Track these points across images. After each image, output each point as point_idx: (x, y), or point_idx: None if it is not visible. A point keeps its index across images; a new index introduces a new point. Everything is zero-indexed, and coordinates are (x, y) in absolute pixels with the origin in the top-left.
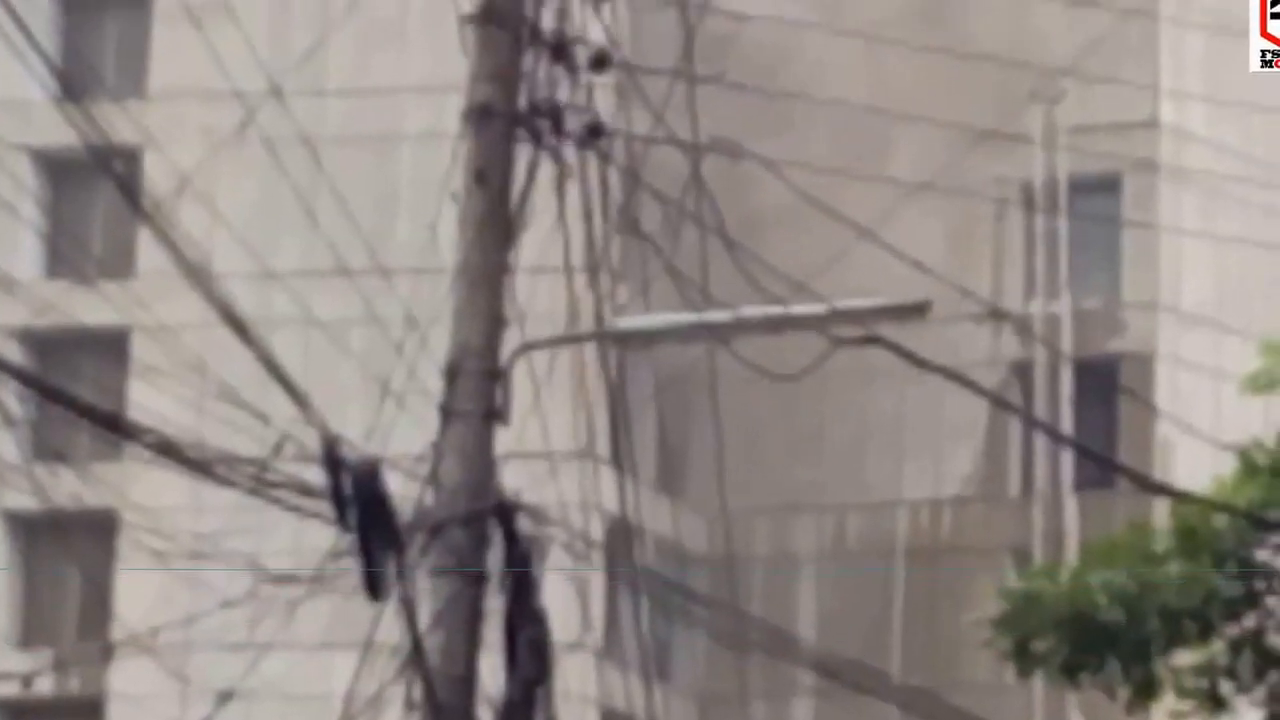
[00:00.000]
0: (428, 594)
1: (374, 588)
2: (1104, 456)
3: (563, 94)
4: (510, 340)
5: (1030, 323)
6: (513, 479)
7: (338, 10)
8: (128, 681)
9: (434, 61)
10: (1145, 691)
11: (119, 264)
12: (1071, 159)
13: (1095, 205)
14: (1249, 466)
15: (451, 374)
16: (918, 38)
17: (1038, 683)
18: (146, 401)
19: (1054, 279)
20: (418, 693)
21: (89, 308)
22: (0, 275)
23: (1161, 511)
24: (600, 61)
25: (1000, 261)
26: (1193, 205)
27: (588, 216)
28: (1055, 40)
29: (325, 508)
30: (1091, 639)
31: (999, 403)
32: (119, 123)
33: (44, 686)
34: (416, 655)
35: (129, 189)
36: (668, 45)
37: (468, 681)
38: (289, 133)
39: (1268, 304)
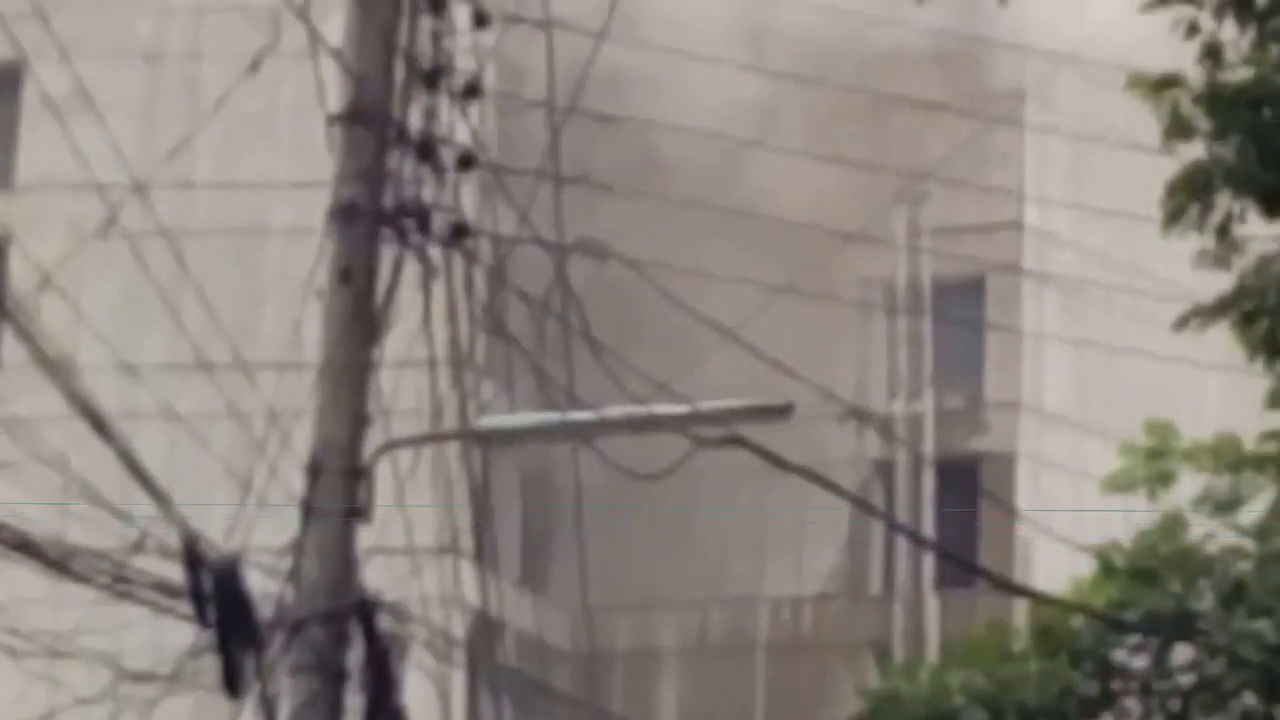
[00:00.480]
0: (287, 692)
1: (233, 685)
2: (964, 557)
3: (429, 193)
4: (374, 437)
5: (893, 423)
6: (375, 576)
7: (206, 105)
8: None
9: (301, 157)
10: None
11: None
12: (936, 261)
13: (959, 306)
14: (1106, 568)
15: (314, 471)
16: (784, 140)
17: None
18: (4, 496)
19: (917, 379)
20: None
21: None
22: None
23: (1021, 611)
24: (466, 161)
25: (864, 362)
26: (1055, 307)
27: (453, 315)
28: (921, 144)
29: (185, 605)
30: None
31: (860, 503)
32: None
33: None
34: None
35: None
36: (535, 146)
37: None
38: (154, 226)
39: (1128, 406)
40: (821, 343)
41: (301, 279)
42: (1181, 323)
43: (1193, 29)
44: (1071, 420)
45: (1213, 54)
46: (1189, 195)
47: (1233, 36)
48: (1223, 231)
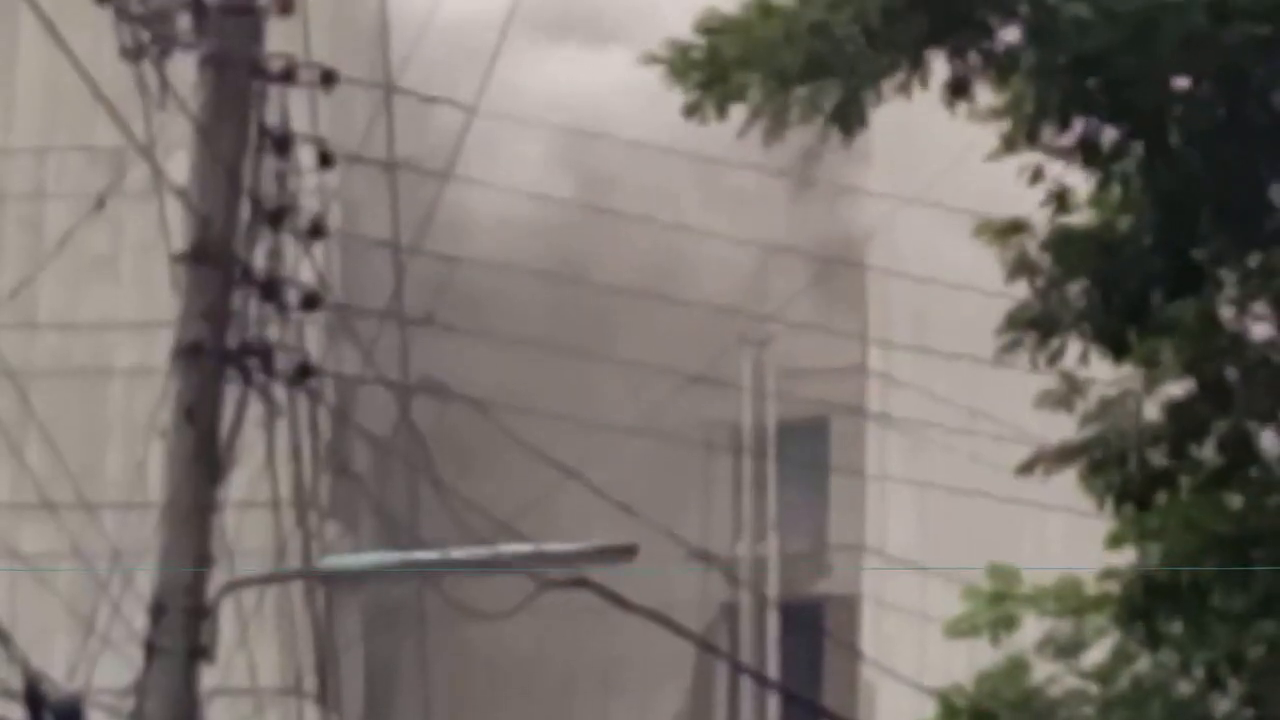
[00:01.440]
0: None
1: None
2: (808, 699)
3: (273, 333)
4: (218, 577)
5: (737, 564)
6: (218, 717)
7: (49, 244)
8: None
9: (145, 297)
10: None
11: None
12: (779, 403)
13: (803, 449)
14: (949, 710)
15: (157, 611)
16: (628, 280)
17: None
18: None
19: (761, 521)
20: None
21: None
22: None
23: None
24: (311, 301)
25: (708, 504)
26: (898, 450)
27: (297, 455)
28: (764, 286)
29: None
30: None
31: (704, 644)
32: None
33: None
34: None
35: None
36: (379, 286)
37: None
38: None
39: (970, 549)
40: (666, 484)
41: (145, 419)
42: (1026, 468)
43: (1037, 175)
44: (915, 563)
45: (1059, 198)
46: (1028, 327)
47: (1077, 180)
48: (1053, 359)
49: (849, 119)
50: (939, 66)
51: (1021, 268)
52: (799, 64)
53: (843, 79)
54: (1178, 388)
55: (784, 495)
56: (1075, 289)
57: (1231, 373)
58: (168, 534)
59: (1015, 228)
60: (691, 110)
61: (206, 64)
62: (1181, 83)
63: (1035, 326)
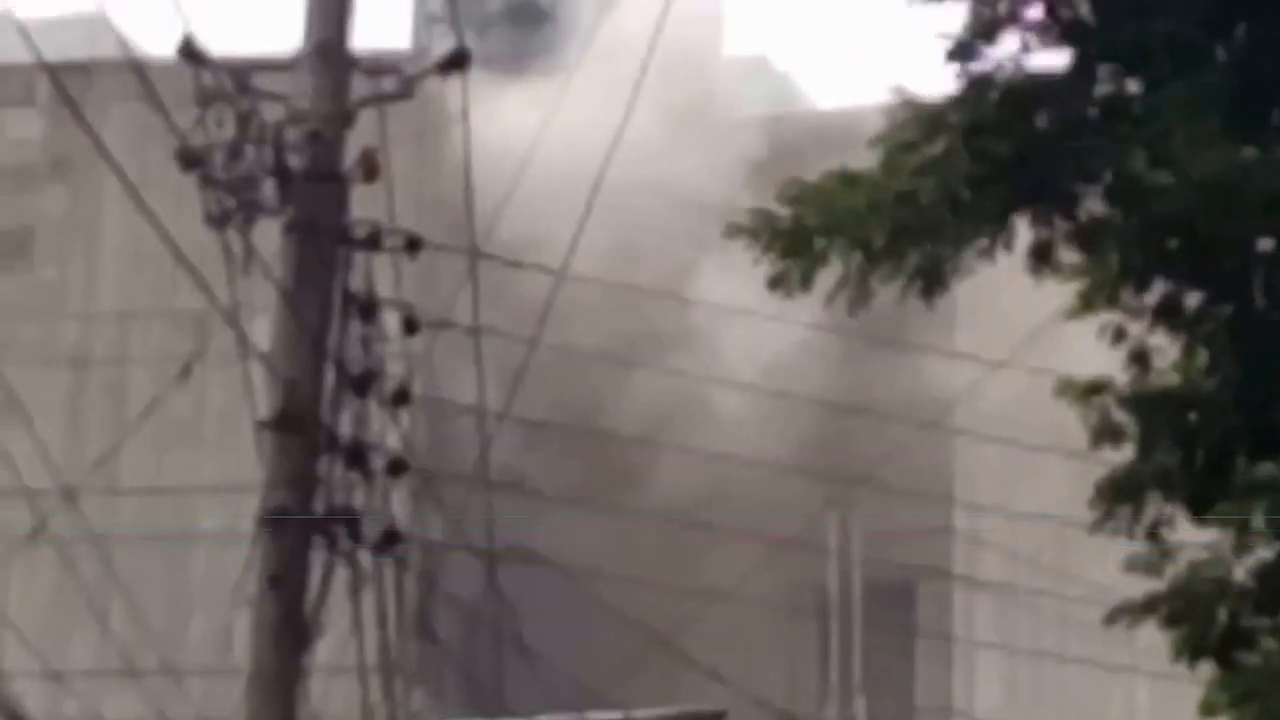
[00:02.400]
0: None
1: None
2: None
3: (359, 499)
4: None
5: None
6: None
7: (134, 409)
8: None
9: (229, 462)
10: None
11: None
12: (866, 566)
13: (889, 612)
14: None
15: None
16: (714, 445)
17: None
18: None
19: (848, 685)
20: None
21: None
22: None
23: None
24: (397, 467)
25: (795, 668)
26: (985, 613)
27: (383, 621)
28: (851, 450)
29: None
30: None
31: None
32: None
33: None
34: None
35: None
36: (466, 451)
37: None
38: (82, 532)
39: (1058, 711)
40: (753, 649)
41: (230, 585)
42: (1111, 619)
43: (1120, 334)
44: None
45: (1140, 359)
46: (1117, 498)
47: (1160, 342)
48: (1152, 535)
49: (932, 285)
50: (1023, 231)
51: (1105, 431)
52: (884, 233)
53: (927, 246)
54: (1269, 551)
55: (870, 659)
56: (1158, 451)
57: None
58: (254, 702)
59: (1096, 388)
60: (776, 282)
61: (291, 230)
62: (1264, 245)
63: (1123, 495)
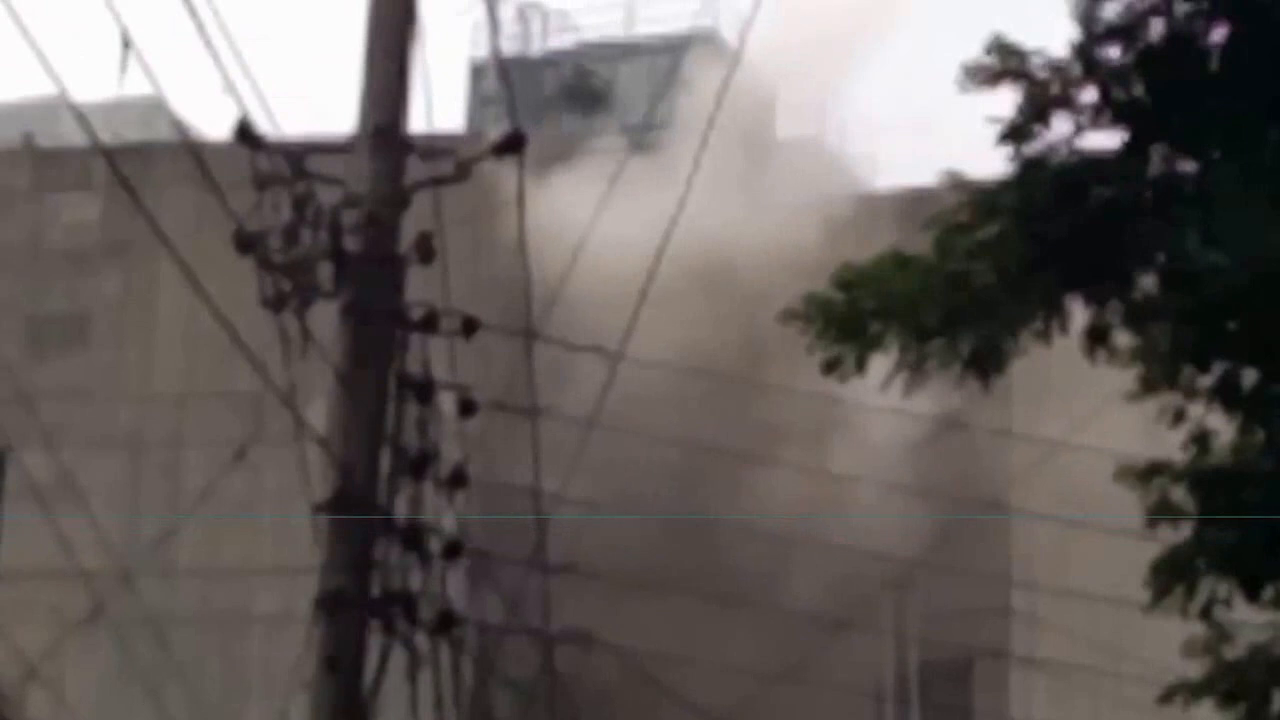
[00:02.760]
0: None
1: None
2: None
3: (416, 581)
4: None
5: None
6: None
7: (189, 491)
8: None
9: (285, 544)
10: None
11: None
12: (923, 646)
13: (946, 692)
14: None
15: None
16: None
17: None
18: None
19: None
20: None
21: None
22: None
23: None
24: (453, 549)
25: None
26: (1043, 692)
27: (440, 704)
28: (908, 529)
29: None
30: None
31: None
32: None
33: None
34: None
35: None
36: (522, 534)
37: None
38: (139, 614)
39: None
40: None
41: (287, 667)
42: (1165, 697)
43: (1179, 416)
44: None
45: (1201, 440)
46: (1173, 576)
47: (1216, 422)
48: (1206, 613)
49: (987, 367)
50: (1077, 312)
51: (1162, 510)
52: (938, 315)
53: (981, 328)
54: None
55: None
56: (1215, 531)
57: None
58: None
59: (1155, 470)
60: (831, 366)
61: (347, 312)
62: None
63: (1178, 574)
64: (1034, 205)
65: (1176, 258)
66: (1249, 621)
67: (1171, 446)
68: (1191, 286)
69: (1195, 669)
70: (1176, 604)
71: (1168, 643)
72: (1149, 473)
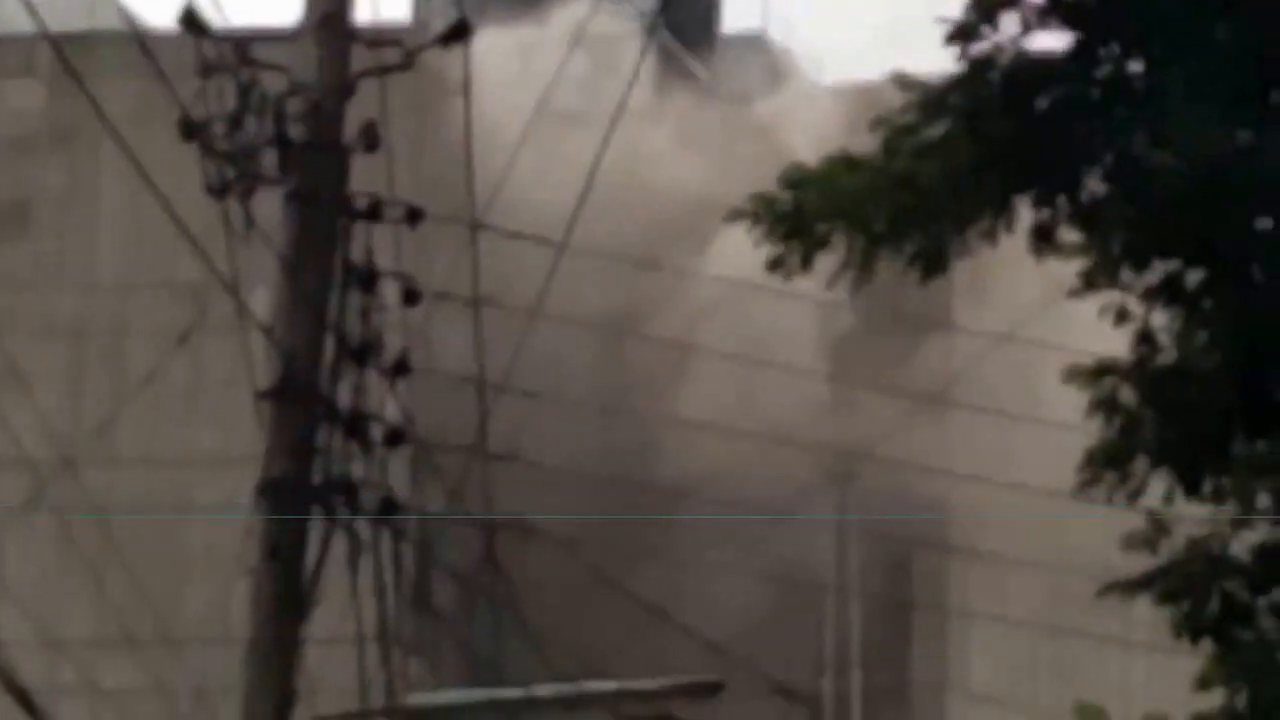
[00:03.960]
0: None
1: None
2: None
3: (357, 469)
4: (302, 714)
5: (821, 700)
6: None
7: (133, 379)
8: None
9: (228, 433)
10: None
11: None
12: (864, 539)
13: (887, 585)
14: None
15: None
16: (714, 416)
17: None
18: None
19: (845, 655)
20: None
21: None
22: None
23: None
24: (394, 438)
25: (791, 640)
26: (982, 586)
27: (380, 592)
28: (851, 423)
29: None
30: None
31: None
32: None
33: None
34: None
35: None
36: (465, 422)
37: None
38: (81, 501)
39: (1051, 685)
40: (751, 621)
41: (228, 555)
42: (1103, 594)
43: (1122, 315)
44: (996, 699)
45: (1147, 340)
46: (1106, 465)
47: (1160, 320)
48: (1133, 497)
49: (932, 265)
50: (1024, 212)
51: (1105, 405)
52: (885, 217)
53: (928, 228)
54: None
55: (867, 631)
56: (1156, 425)
57: None
58: (252, 671)
59: (1104, 370)
60: (776, 264)
61: (291, 200)
62: (1263, 223)
63: (1114, 463)
64: (982, 106)
65: (1124, 158)
66: (1187, 515)
67: (1116, 345)
68: (1138, 187)
69: (1137, 563)
70: (1106, 491)
71: (1109, 538)
72: (1098, 372)
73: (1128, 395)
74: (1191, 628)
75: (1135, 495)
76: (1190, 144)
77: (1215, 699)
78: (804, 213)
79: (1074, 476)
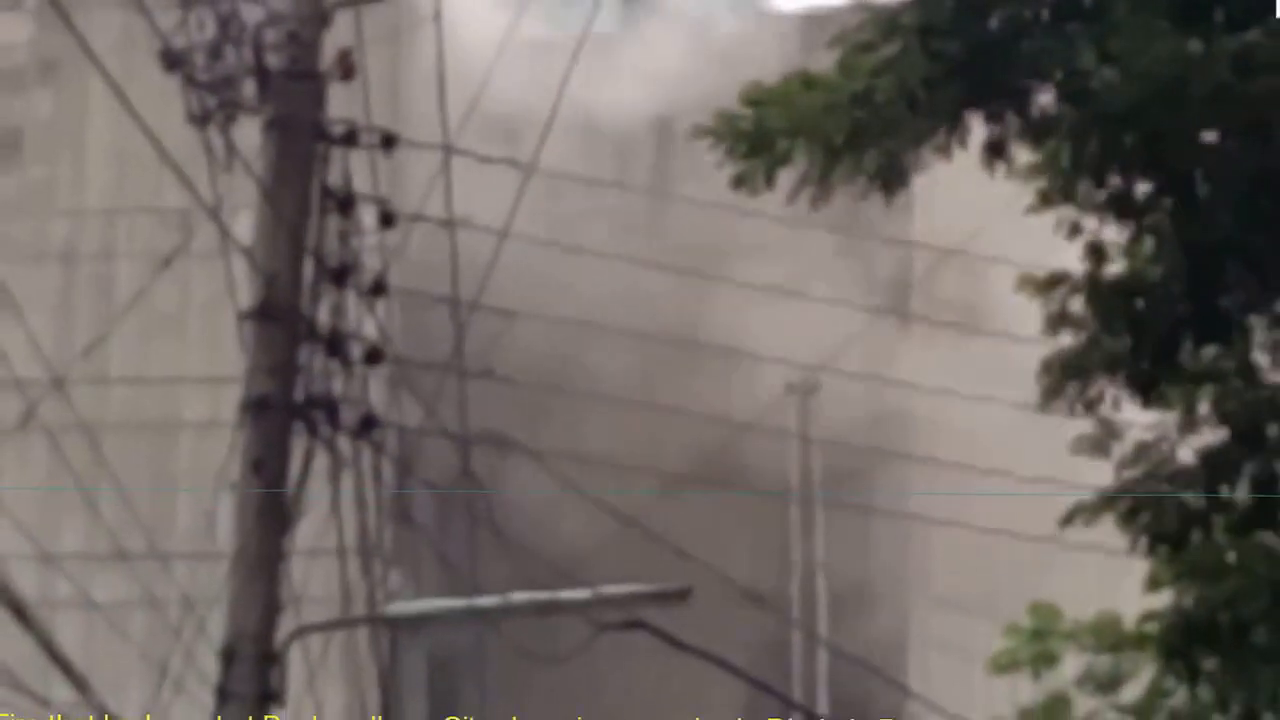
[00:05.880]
0: None
1: None
2: None
3: (338, 387)
4: (286, 624)
5: (789, 603)
6: None
7: (121, 302)
8: None
9: (213, 353)
10: None
11: None
12: (826, 450)
13: (849, 493)
14: None
15: (228, 657)
16: (680, 332)
17: None
18: None
19: (810, 561)
20: None
21: None
22: None
23: None
24: (373, 356)
25: (758, 547)
26: (942, 494)
27: (361, 505)
28: (812, 336)
29: None
30: None
31: (756, 683)
32: None
33: None
34: None
35: None
36: (440, 341)
37: None
38: (72, 420)
39: (1012, 589)
40: (718, 528)
41: (214, 471)
42: (1067, 520)
43: (1075, 229)
44: (958, 603)
45: (1097, 252)
46: (1065, 375)
47: (1113, 235)
48: (1090, 406)
49: (891, 181)
50: (977, 128)
51: (1060, 319)
52: (843, 132)
53: (885, 144)
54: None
55: (831, 538)
56: (1109, 336)
57: (1269, 424)
58: (237, 582)
59: (1056, 281)
60: (739, 181)
61: (271, 128)
62: (1210, 136)
63: (1071, 374)
64: (934, 24)
65: (1073, 74)
66: (1135, 423)
67: (1068, 257)
68: (1088, 101)
69: (1093, 471)
70: (1068, 401)
71: (1065, 446)
72: (1049, 284)
73: (1080, 307)
74: (1153, 539)
75: (1092, 406)
76: (1136, 58)
77: (1165, 599)
78: (765, 130)
79: (1034, 387)
